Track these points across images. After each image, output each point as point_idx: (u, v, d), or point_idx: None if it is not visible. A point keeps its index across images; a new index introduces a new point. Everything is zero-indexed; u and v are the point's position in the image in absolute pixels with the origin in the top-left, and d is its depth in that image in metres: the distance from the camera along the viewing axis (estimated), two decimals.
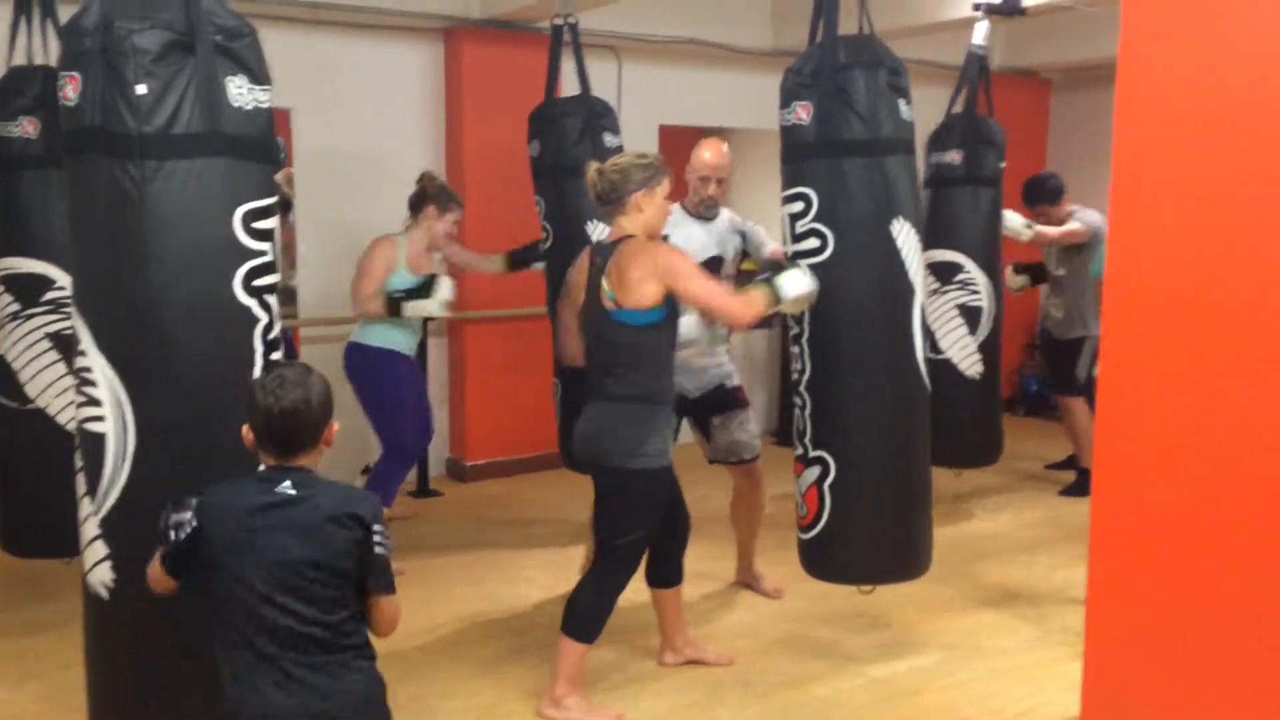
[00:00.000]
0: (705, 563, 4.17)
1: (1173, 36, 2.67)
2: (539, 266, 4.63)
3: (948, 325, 4.79)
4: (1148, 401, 2.76)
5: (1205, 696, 2.64)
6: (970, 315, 4.73)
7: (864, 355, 3.24)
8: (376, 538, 2.03)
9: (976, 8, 4.84)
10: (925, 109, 5.31)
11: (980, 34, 4.76)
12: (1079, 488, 5.22)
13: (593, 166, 3.12)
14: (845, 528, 3.29)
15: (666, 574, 3.43)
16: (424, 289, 4.30)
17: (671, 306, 3.05)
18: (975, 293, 4.72)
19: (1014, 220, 5.00)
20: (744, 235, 4.09)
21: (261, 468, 2.09)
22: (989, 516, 5.22)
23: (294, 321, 5.52)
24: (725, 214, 4.08)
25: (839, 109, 3.14)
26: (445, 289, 4.33)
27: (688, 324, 3.39)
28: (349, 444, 5.43)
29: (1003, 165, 4.82)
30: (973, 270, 4.71)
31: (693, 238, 3.88)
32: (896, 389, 3.27)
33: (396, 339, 4.39)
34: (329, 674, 2.00)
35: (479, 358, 5.80)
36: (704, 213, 3.99)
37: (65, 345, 3.51)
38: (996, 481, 5.69)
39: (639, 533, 3.09)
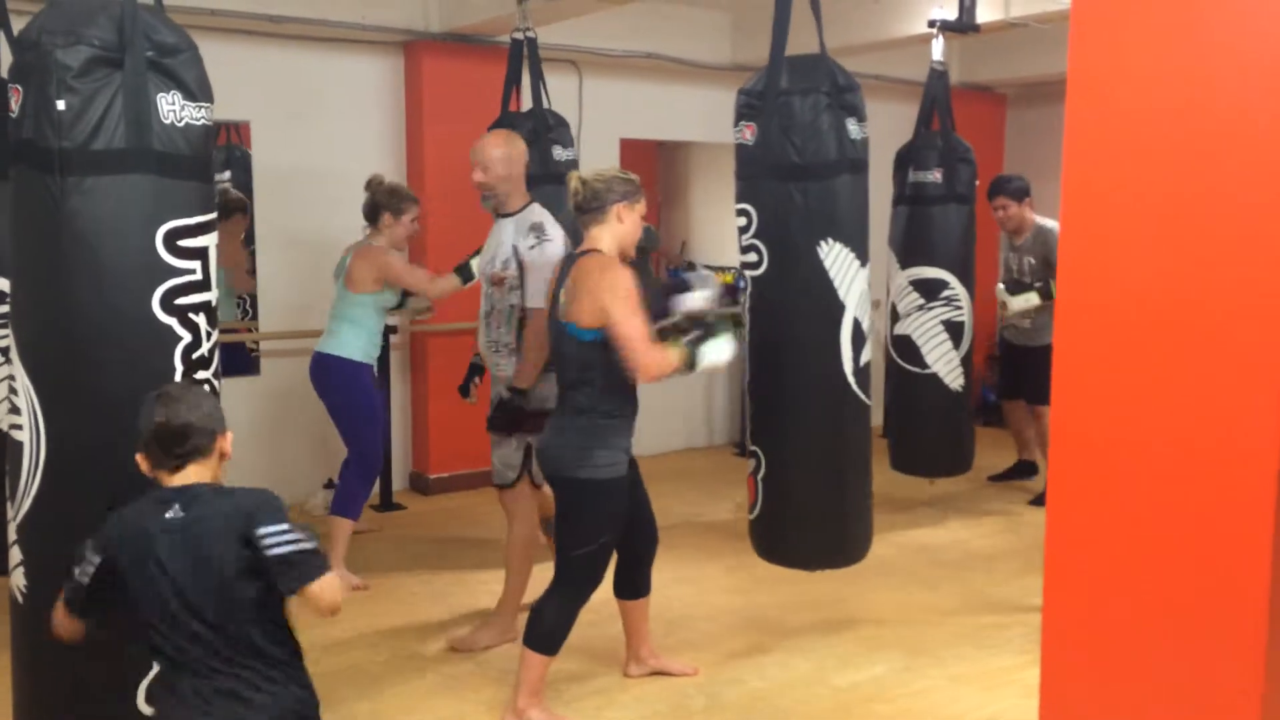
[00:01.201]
0: (670, 571, 4.17)
1: (1120, 52, 2.74)
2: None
3: (934, 340, 4.93)
4: (1099, 409, 2.81)
5: (1161, 701, 2.69)
6: (954, 330, 4.91)
7: (791, 365, 3.48)
8: (269, 542, 1.99)
9: (932, 24, 4.92)
10: (882, 123, 5.41)
11: (938, 50, 4.84)
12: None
13: (575, 175, 3.13)
14: (775, 515, 3.61)
15: (634, 585, 3.43)
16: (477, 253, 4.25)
17: None
18: (959, 308, 4.89)
19: (1021, 303, 5.24)
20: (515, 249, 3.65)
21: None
22: (948, 525, 5.27)
23: (253, 335, 5.49)
24: (528, 217, 3.68)
25: (778, 132, 3.30)
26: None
27: None
28: (311, 457, 5.41)
29: (975, 183, 4.95)
30: (956, 287, 4.89)
31: (492, 236, 3.83)
32: (822, 397, 3.49)
33: (364, 349, 4.37)
34: (246, 690, 2.01)
35: (441, 370, 5.77)
36: (489, 207, 3.79)
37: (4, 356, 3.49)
38: (954, 490, 5.75)
39: (595, 544, 3.09)
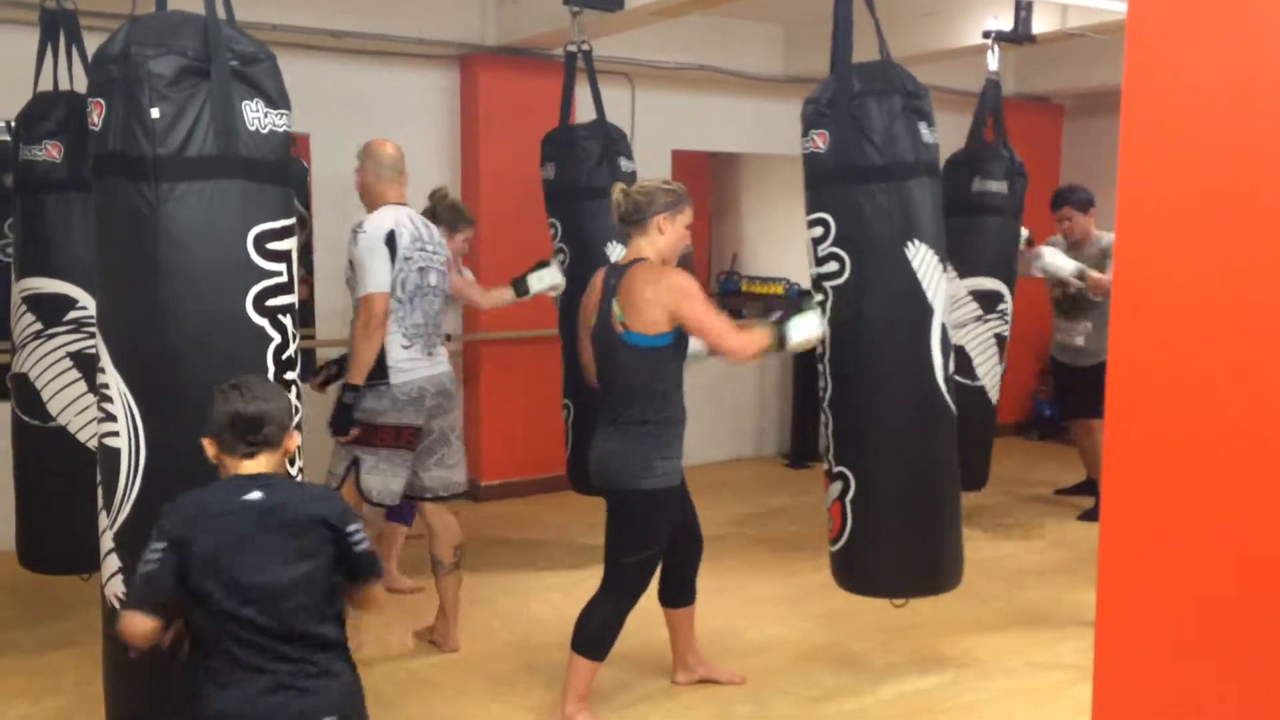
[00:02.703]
0: (716, 580, 4.18)
1: (1176, 62, 2.71)
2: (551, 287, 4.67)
3: (985, 354, 4.91)
4: (1155, 423, 2.78)
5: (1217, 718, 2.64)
6: (1001, 345, 4.90)
7: (880, 376, 3.31)
8: (357, 538, 2.10)
9: (987, 35, 4.90)
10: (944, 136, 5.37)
11: (993, 62, 4.82)
12: (1098, 512, 5.22)
13: (618, 187, 3.18)
14: (866, 542, 3.37)
15: (679, 594, 3.45)
16: (539, 265, 4.31)
17: (680, 331, 3.08)
18: (1007, 322, 4.86)
19: (1064, 266, 5.02)
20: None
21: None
22: (1002, 540, 5.22)
23: (311, 341, 5.59)
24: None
25: (853, 136, 3.21)
26: (556, 261, 4.38)
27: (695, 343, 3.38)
28: None
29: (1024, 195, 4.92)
30: (1008, 301, 4.87)
31: None
32: (914, 409, 3.32)
33: None
34: (308, 675, 2.05)
35: (493, 379, 5.85)
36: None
37: (86, 364, 3.58)
38: (1008, 505, 5.70)
39: (647, 552, 3.12)
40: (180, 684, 2.27)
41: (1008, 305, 4.87)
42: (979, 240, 4.81)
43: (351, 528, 2.10)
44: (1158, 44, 2.75)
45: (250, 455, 2.11)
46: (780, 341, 3.12)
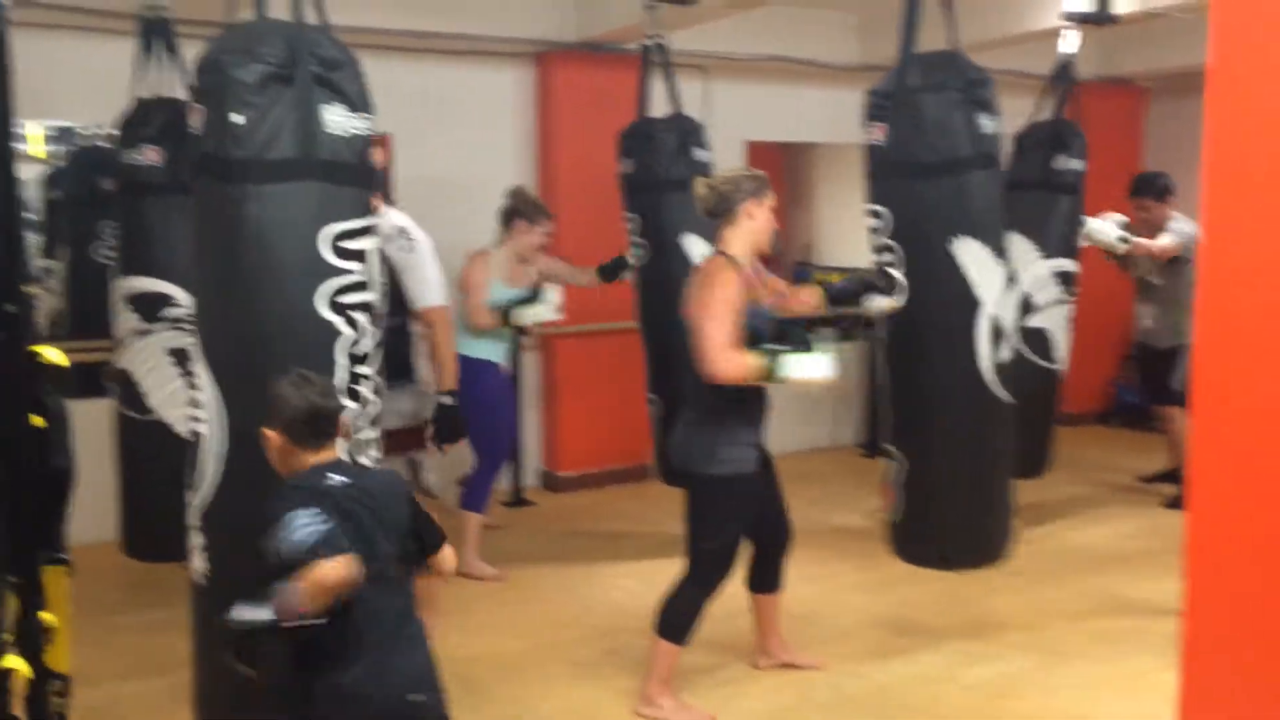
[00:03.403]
0: (798, 569, 4.19)
1: (1263, 42, 2.67)
2: (627, 277, 4.77)
3: (1063, 335, 4.87)
4: (1243, 411, 2.74)
5: None
6: (1071, 325, 4.89)
7: (926, 364, 3.47)
8: (421, 510, 2.28)
9: (1066, 17, 4.83)
10: (1007, 120, 5.31)
11: (1072, 44, 4.76)
12: (1182, 500, 5.14)
13: (701, 181, 3.22)
14: (916, 518, 3.60)
15: (766, 580, 3.49)
16: (533, 297, 4.45)
17: (739, 324, 3.06)
18: (1075, 304, 4.81)
19: (1108, 231, 4.91)
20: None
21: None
22: (1087, 528, 5.15)
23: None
24: (388, 222, 3.73)
25: (910, 131, 3.28)
26: (553, 294, 4.48)
27: None
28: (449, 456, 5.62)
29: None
30: (1077, 282, 4.84)
31: None
32: (960, 396, 3.44)
33: (492, 350, 4.53)
34: (410, 634, 2.18)
35: (571, 371, 5.94)
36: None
37: (184, 360, 3.74)
38: (1091, 493, 5.62)
39: (724, 537, 3.16)
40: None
41: (1076, 287, 4.87)
42: (1057, 220, 4.77)
43: (419, 502, 2.27)
44: (1242, 23, 2.71)
45: (323, 446, 2.22)
46: (772, 374, 2.97)
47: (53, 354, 1.89)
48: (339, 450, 2.28)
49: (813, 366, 2.98)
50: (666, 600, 3.25)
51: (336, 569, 2.00)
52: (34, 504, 1.85)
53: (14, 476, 1.80)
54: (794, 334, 3.05)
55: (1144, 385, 6.01)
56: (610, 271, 4.86)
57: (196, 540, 2.56)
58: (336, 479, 2.16)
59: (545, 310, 4.47)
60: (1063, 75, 4.75)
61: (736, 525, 3.19)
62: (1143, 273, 5.40)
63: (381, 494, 2.20)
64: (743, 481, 3.16)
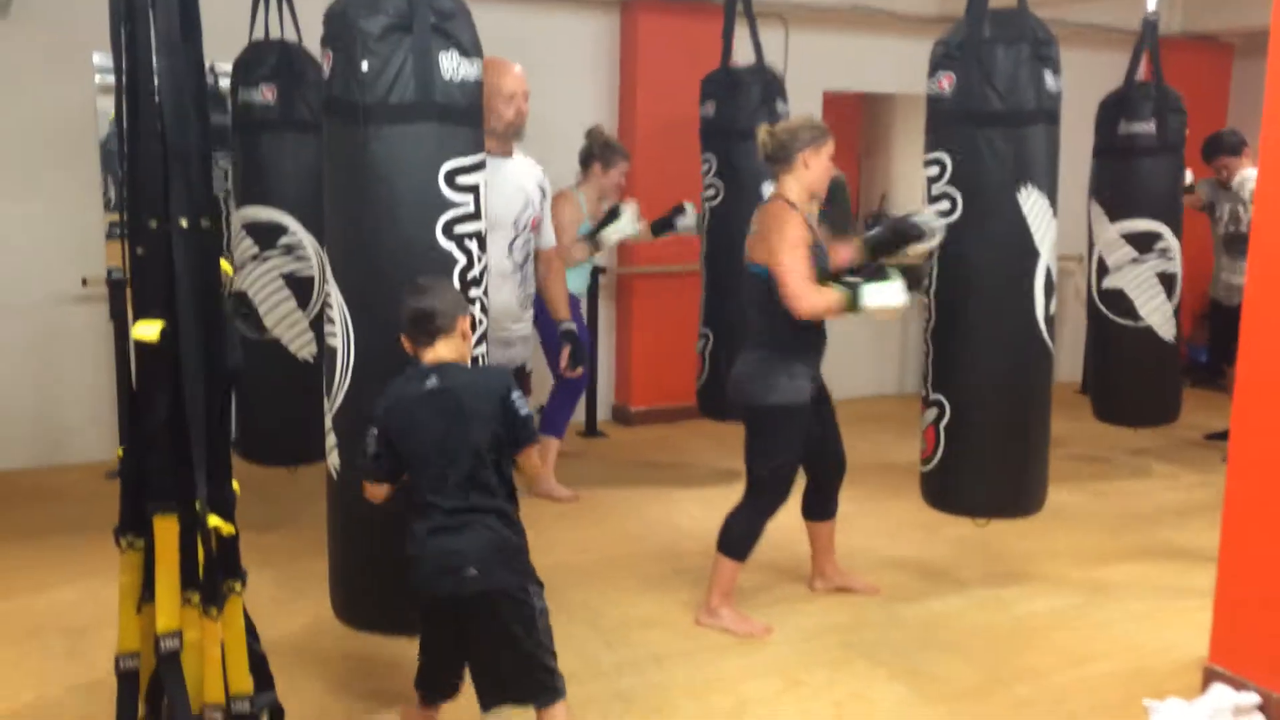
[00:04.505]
0: (857, 505, 4.40)
1: None
2: (684, 230, 4.95)
3: (1147, 294, 4.96)
4: None
5: None
6: (1168, 282, 4.96)
7: (982, 312, 3.56)
8: (518, 404, 2.50)
9: None
10: (1097, 74, 5.35)
11: (1153, 1, 4.79)
12: None
13: (764, 128, 3.40)
14: (957, 465, 3.69)
15: (820, 508, 3.72)
16: (612, 216, 4.66)
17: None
18: (1171, 259, 4.92)
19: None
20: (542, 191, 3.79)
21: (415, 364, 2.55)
22: (1148, 481, 5.30)
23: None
24: (530, 160, 3.83)
25: (978, 82, 3.40)
26: (631, 210, 4.68)
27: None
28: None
29: (1185, 131, 4.90)
30: (1169, 238, 4.91)
31: (508, 181, 3.59)
32: (1012, 344, 3.56)
33: (572, 283, 4.75)
34: (467, 526, 2.45)
35: (644, 311, 6.17)
36: (513, 142, 3.71)
37: (297, 285, 4.05)
38: (1158, 447, 5.74)
39: (780, 461, 3.39)
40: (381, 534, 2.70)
41: (1169, 243, 4.92)
42: (1128, 182, 4.85)
43: (515, 395, 2.50)
44: None
45: (429, 344, 2.53)
46: (853, 304, 3.23)
47: (227, 265, 2.20)
48: (451, 346, 2.54)
49: (890, 294, 3.26)
50: (728, 520, 3.49)
51: (371, 493, 2.55)
52: (219, 395, 2.15)
53: (210, 369, 2.12)
54: (867, 266, 3.28)
55: (1214, 343, 6.06)
56: (661, 226, 5.03)
57: (330, 441, 2.85)
58: (429, 383, 2.47)
59: (627, 224, 4.66)
60: (1144, 36, 4.79)
61: (791, 453, 3.41)
62: (1225, 230, 5.43)
63: (468, 393, 2.48)
64: (796, 411, 3.37)
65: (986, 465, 3.67)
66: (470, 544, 2.45)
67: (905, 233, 3.50)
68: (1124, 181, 4.89)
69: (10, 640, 3.38)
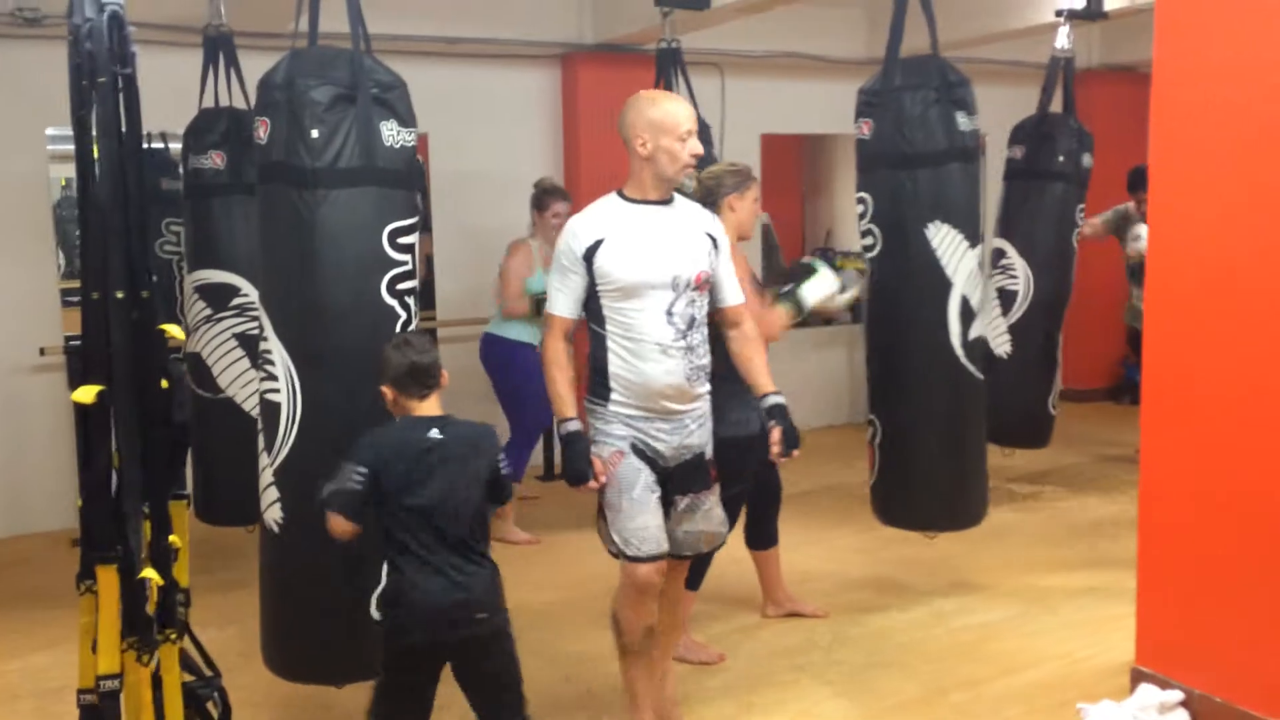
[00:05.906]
0: (805, 532, 4.56)
1: (1203, 43, 3.00)
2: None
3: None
4: (1186, 377, 3.09)
5: (1242, 640, 2.95)
6: (1005, 298, 5.14)
7: (901, 338, 3.82)
8: (503, 465, 2.64)
9: (1059, 14, 5.13)
10: (1018, 109, 5.60)
11: (1062, 38, 5.06)
12: None
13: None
14: (894, 480, 3.94)
15: (763, 537, 3.88)
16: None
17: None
18: (1014, 277, 5.11)
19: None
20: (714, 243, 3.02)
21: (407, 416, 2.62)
22: (1085, 496, 5.50)
23: (432, 322, 6.13)
24: (694, 202, 3.17)
25: (891, 127, 3.66)
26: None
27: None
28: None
29: (1086, 161, 5.12)
30: (1011, 256, 5.13)
31: (665, 231, 2.95)
32: (931, 368, 3.78)
33: (527, 332, 4.89)
34: (466, 570, 2.55)
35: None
36: (676, 188, 3.05)
37: (249, 344, 4.15)
38: (1095, 464, 5.96)
39: (730, 493, 3.51)
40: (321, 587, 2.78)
41: (1011, 260, 5.13)
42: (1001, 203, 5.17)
43: (501, 457, 2.64)
44: (1185, 23, 3.03)
45: (425, 396, 2.61)
46: (799, 306, 3.44)
47: (175, 330, 2.33)
48: (438, 399, 2.63)
49: (824, 285, 3.48)
50: None
51: (333, 523, 2.53)
52: (162, 451, 2.26)
53: (148, 429, 2.23)
54: (794, 270, 3.54)
55: (1139, 364, 6.31)
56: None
57: (273, 495, 2.93)
58: (432, 434, 2.55)
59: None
60: (1051, 70, 5.05)
61: (740, 483, 3.55)
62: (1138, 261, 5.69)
63: (469, 447, 2.58)
64: (747, 442, 3.51)
65: (919, 480, 3.89)
66: (473, 589, 2.55)
67: (797, 273, 3.69)
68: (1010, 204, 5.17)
69: None
